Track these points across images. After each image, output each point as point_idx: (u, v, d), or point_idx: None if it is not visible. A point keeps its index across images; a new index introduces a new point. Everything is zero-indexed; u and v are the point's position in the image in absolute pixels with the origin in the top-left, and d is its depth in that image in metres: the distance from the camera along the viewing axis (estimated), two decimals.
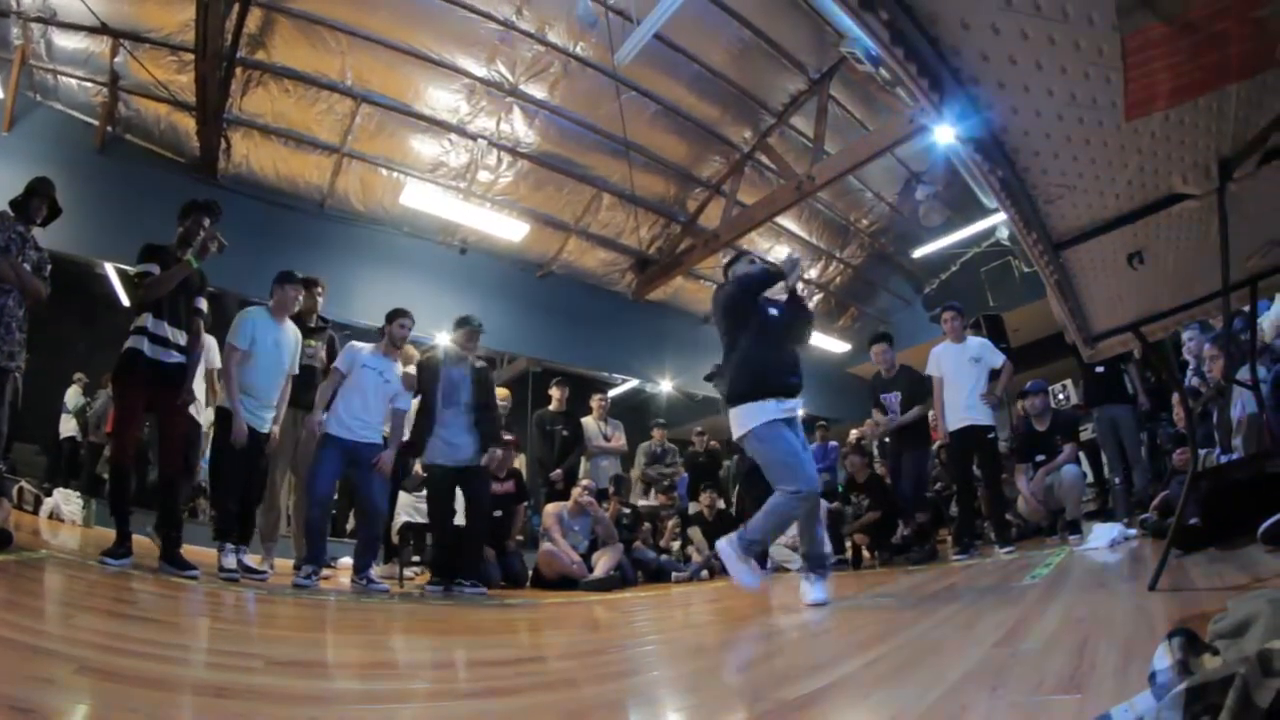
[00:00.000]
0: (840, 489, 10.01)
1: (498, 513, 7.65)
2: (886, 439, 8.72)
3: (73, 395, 10.61)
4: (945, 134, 2.26)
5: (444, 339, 11.21)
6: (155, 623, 3.25)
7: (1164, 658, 1.34)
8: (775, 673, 2.55)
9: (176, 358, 5.35)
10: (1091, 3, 1.70)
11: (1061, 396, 12.50)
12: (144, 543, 5.60)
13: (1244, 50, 1.82)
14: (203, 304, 5.61)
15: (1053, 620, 2.80)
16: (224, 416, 5.81)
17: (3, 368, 5.11)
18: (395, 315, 6.63)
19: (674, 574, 8.37)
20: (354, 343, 6.58)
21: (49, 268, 5.51)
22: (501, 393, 8.93)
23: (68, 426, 10.55)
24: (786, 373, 4.75)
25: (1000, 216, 12.00)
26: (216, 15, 7.38)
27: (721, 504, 9.93)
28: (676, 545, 9.47)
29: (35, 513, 8.65)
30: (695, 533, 9.51)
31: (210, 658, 2.59)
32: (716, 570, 9.01)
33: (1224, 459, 5.22)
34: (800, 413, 4.82)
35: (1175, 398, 6.98)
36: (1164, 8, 1.63)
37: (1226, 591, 2.85)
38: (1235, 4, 1.63)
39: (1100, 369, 8.20)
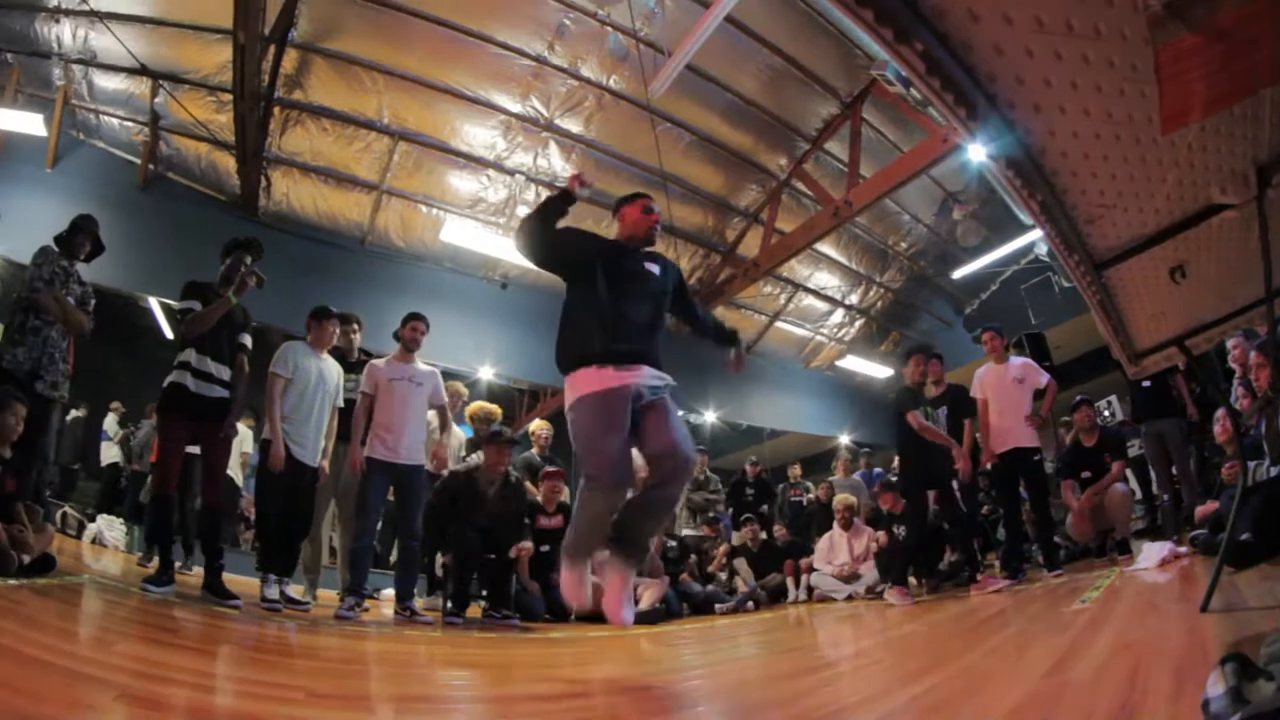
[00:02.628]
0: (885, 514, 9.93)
1: (545, 547, 7.62)
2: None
3: (111, 423, 10.75)
4: (979, 152, 2.24)
5: (486, 373, 11.29)
6: (196, 651, 3.26)
7: (1217, 684, 1.31)
8: (822, 707, 2.51)
9: (219, 392, 5.42)
10: (1123, 18, 1.68)
11: (1107, 413, 12.32)
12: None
13: (1276, 53, 1.79)
14: (247, 339, 5.67)
15: (1103, 647, 2.75)
16: (267, 448, 5.83)
17: (48, 397, 5.26)
18: (409, 319, 6.60)
19: (717, 605, 8.29)
20: (372, 362, 6.54)
21: (93, 302, 5.67)
22: (543, 424, 8.94)
23: (109, 454, 10.67)
24: (624, 334, 3.69)
25: (1038, 232, 11.87)
26: (253, 57, 7.52)
27: (764, 535, 9.87)
28: (724, 575, 9.38)
29: (78, 538, 8.75)
30: (741, 564, 9.45)
31: (251, 688, 2.59)
32: (762, 601, 8.95)
33: (1274, 471, 5.10)
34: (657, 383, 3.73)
35: (1219, 413, 6.84)
36: (1194, 17, 1.61)
37: None
38: (1264, 7, 1.61)
39: (1147, 383, 8.06)
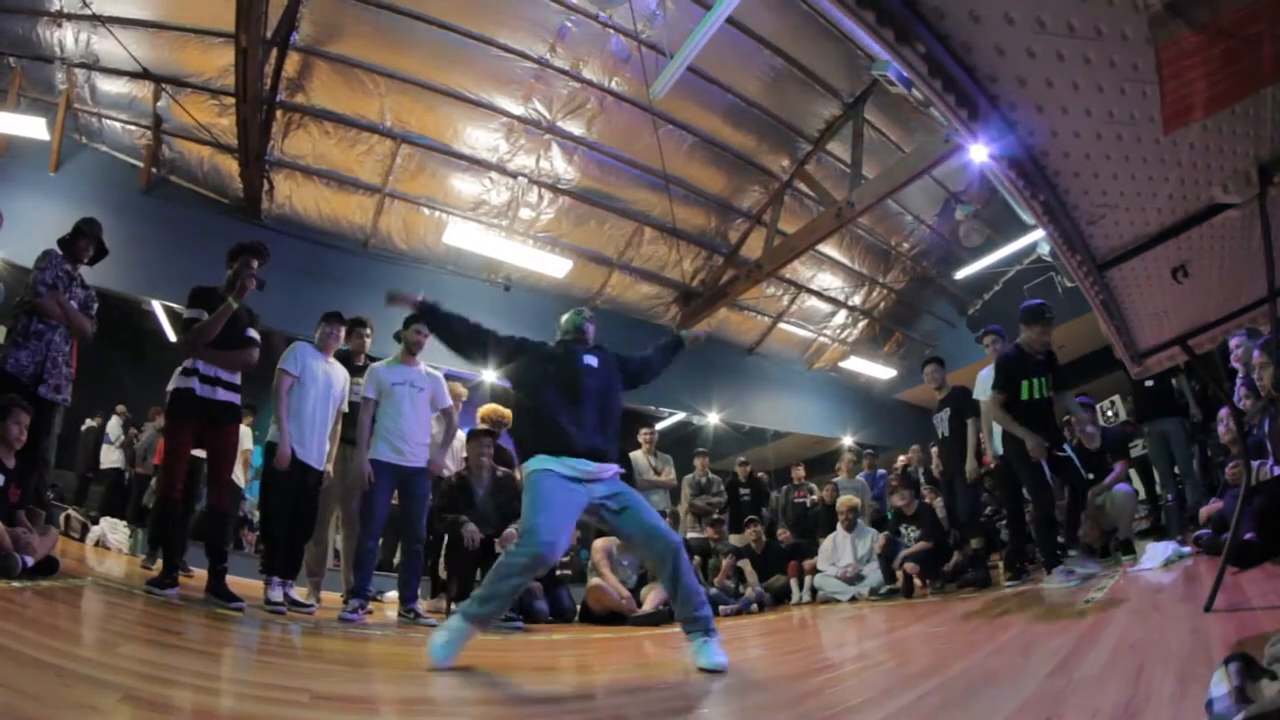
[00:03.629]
0: (889, 516, 9.90)
1: None
2: (934, 465, 8.57)
3: (114, 426, 10.71)
4: (981, 152, 2.24)
5: (489, 376, 11.31)
6: (200, 653, 3.27)
7: (1221, 684, 1.31)
8: (828, 708, 2.51)
9: (225, 395, 5.42)
10: (1124, 18, 1.69)
11: (1110, 414, 12.30)
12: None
13: (1277, 51, 1.79)
14: (254, 334, 5.67)
15: (1107, 647, 2.74)
16: (272, 449, 5.84)
17: (51, 400, 5.27)
18: (410, 321, 6.52)
19: (722, 607, 8.27)
20: (373, 365, 6.56)
21: (96, 305, 5.69)
22: None
23: (110, 457, 10.66)
24: (583, 433, 3.95)
25: (1041, 232, 11.83)
26: (255, 60, 7.51)
27: (767, 537, 9.88)
28: (729, 583, 9.36)
29: (82, 540, 8.76)
30: (746, 565, 9.44)
31: (256, 690, 2.59)
32: (766, 603, 8.94)
33: (1278, 470, 5.10)
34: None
35: (1222, 413, 6.83)
36: (1195, 16, 1.61)
37: None
38: (1265, 6, 1.61)
39: (1150, 382, 8.05)
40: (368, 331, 7.14)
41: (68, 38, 8.50)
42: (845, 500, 9.39)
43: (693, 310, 13.36)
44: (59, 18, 8.30)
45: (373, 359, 7.12)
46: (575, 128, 10.44)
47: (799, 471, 11.86)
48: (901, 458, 11.48)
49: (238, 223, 9.66)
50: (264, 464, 6.07)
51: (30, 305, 5.27)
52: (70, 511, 9.17)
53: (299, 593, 6.21)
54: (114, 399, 10.90)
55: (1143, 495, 9.55)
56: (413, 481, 6.28)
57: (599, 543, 7.99)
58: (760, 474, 12.15)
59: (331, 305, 6.60)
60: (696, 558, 9.29)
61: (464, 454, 7.97)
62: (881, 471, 12.01)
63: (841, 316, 15.41)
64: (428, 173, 10.49)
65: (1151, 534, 8.93)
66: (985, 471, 8.23)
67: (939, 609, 6.17)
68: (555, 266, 11.66)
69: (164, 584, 5.04)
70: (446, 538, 6.94)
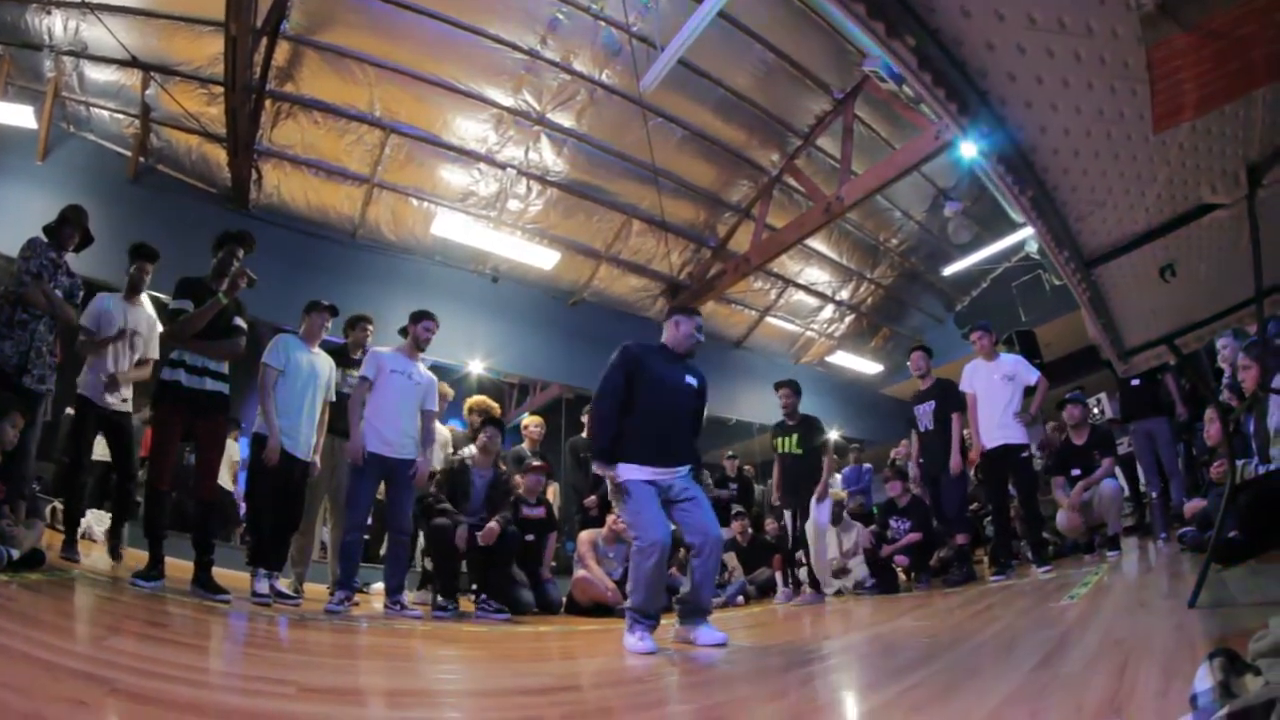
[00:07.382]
0: (874, 511, 9.92)
1: (529, 536, 7.61)
2: (922, 460, 8.59)
3: None
4: (971, 150, 2.25)
5: (476, 367, 11.29)
6: (187, 646, 3.26)
7: (1205, 679, 1.32)
8: (812, 700, 2.51)
9: (213, 385, 5.42)
10: (1115, 16, 1.69)
11: (1096, 411, 12.35)
12: (175, 565, 5.61)
13: (1268, 53, 1.79)
14: (241, 323, 5.67)
15: (1092, 641, 2.76)
16: (259, 441, 5.83)
17: (34, 390, 5.25)
18: (420, 316, 6.60)
19: None
20: (376, 349, 6.58)
21: (81, 294, 5.65)
22: (535, 420, 8.93)
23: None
24: (664, 442, 4.64)
25: (1029, 230, 11.87)
26: (245, 49, 7.47)
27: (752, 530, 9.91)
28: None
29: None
30: (730, 558, 9.48)
31: (243, 683, 2.59)
32: (752, 596, 8.96)
33: (1262, 469, 5.13)
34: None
35: (1208, 414, 6.86)
36: (1187, 16, 1.61)
37: (1268, 607, 2.80)
38: (1257, 7, 1.61)
39: (1136, 382, 8.09)
40: (370, 327, 7.15)
41: (56, 25, 8.42)
42: (831, 494, 9.41)
43: (679, 303, 13.29)
44: (48, 5, 8.22)
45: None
46: (565, 120, 10.43)
47: None
48: (894, 451, 11.51)
49: (225, 212, 9.61)
50: (251, 456, 6.06)
51: (14, 295, 5.25)
52: (56, 504, 9.10)
53: (285, 584, 6.20)
54: None
55: (1128, 493, 9.61)
56: (398, 473, 6.28)
57: (585, 535, 8.00)
58: (746, 467, 12.17)
59: (319, 295, 6.58)
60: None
61: (449, 448, 7.99)
62: (867, 466, 12.02)
63: (829, 311, 15.43)
64: (416, 163, 10.44)
65: (1136, 531, 8.99)
66: (975, 466, 8.26)
67: (924, 603, 6.20)
68: (543, 258, 11.64)
69: (150, 576, 5.04)
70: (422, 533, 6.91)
